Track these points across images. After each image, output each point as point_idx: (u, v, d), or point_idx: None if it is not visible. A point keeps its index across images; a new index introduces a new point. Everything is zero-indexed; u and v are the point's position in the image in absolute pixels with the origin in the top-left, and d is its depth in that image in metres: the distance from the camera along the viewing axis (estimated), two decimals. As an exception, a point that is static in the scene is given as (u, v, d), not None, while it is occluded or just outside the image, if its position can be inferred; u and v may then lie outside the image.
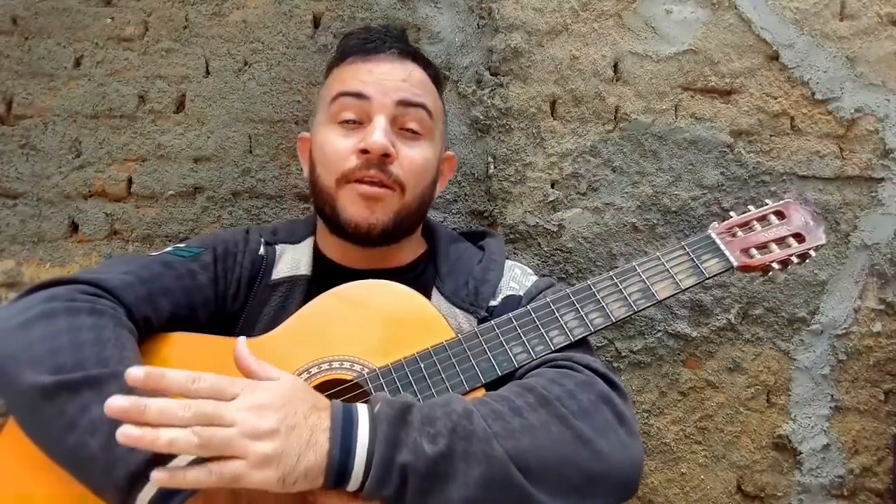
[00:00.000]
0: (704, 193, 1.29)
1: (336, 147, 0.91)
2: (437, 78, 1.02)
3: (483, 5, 1.27)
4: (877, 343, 1.31)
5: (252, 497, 0.64)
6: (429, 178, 0.96)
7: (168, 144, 1.26)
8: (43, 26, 1.25)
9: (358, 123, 0.92)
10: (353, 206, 0.90)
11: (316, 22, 1.28)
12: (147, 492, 0.63)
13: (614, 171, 1.29)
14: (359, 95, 0.91)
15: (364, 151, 0.88)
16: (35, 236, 1.25)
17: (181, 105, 1.27)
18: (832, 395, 1.31)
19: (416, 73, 0.96)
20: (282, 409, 0.63)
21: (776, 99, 1.30)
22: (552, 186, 1.29)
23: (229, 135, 1.27)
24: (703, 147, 1.29)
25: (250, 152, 1.27)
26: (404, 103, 0.92)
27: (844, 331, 1.31)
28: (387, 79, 0.92)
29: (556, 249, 1.28)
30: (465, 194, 1.29)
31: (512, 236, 1.28)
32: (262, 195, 1.27)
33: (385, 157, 0.89)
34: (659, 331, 1.29)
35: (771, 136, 1.30)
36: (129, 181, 1.26)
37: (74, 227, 1.26)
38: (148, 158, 1.26)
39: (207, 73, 1.27)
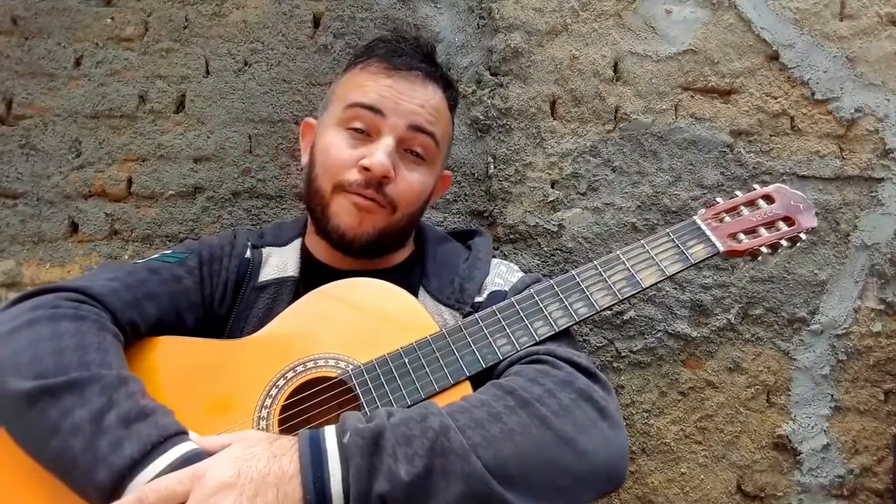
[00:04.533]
0: (704, 193, 1.29)
1: (340, 154, 0.91)
2: (455, 102, 1.03)
3: (483, 5, 1.27)
4: (877, 343, 1.31)
5: None
6: (422, 201, 0.97)
7: (168, 144, 1.26)
8: (43, 26, 1.25)
9: (366, 134, 0.92)
10: (344, 215, 0.91)
11: (316, 22, 1.28)
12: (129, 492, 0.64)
13: (614, 171, 1.29)
14: (373, 110, 0.91)
15: (366, 169, 0.89)
16: (35, 236, 1.25)
17: (181, 105, 1.27)
18: (832, 395, 1.31)
19: (434, 98, 0.95)
20: (237, 481, 0.63)
21: (776, 99, 1.30)
22: (552, 186, 1.29)
23: (229, 135, 1.27)
24: (703, 147, 1.29)
25: (250, 152, 1.27)
26: (415, 128, 0.92)
27: (844, 331, 1.31)
28: (404, 99, 0.92)
29: (556, 249, 1.28)
30: (465, 194, 1.29)
31: (512, 236, 1.28)
32: (262, 195, 1.27)
33: (384, 178, 0.90)
34: (659, 331, 1.29)
35: (771, 135, 1.30)
36: (129, 181, 1.26)
37: (74, 227, 1.26)
38: (148, 158, 1.26)
39: (207, 73, 1.27)
